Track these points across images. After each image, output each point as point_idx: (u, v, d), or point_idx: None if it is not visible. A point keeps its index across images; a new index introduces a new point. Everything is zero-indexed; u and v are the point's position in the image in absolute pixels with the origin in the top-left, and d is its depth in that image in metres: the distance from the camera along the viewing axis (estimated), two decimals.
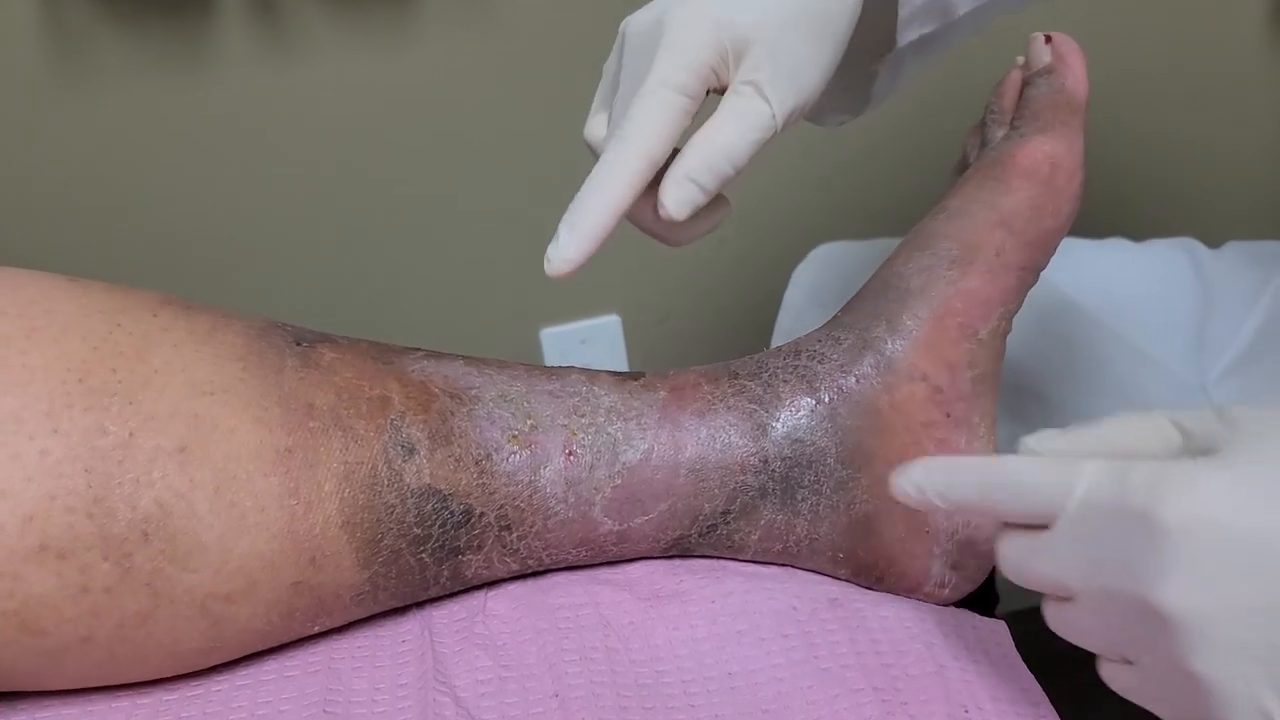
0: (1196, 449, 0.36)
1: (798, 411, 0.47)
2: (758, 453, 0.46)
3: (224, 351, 0.42)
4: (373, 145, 1.01)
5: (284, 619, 0.41)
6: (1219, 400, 0.69)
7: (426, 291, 1.09)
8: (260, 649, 0.43)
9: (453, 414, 0.44)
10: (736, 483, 0.46)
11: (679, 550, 0.47)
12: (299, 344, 0.44)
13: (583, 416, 0.46)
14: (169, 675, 0.42)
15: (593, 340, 1.17)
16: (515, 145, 1.02)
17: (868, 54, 0.57)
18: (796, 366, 0.48)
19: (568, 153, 1.03)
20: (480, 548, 0.44)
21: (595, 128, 0.49)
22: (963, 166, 0.55)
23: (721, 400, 0.47)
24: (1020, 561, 0.39)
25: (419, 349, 0.48)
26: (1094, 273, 0.76)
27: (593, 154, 0.49)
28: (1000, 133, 0.52)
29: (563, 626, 0.44)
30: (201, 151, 0.98)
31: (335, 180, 1.02)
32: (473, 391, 0.45)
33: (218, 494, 0.39)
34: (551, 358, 1.15)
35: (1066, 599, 0.37)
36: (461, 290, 1.10)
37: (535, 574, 0.47)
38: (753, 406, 0.47)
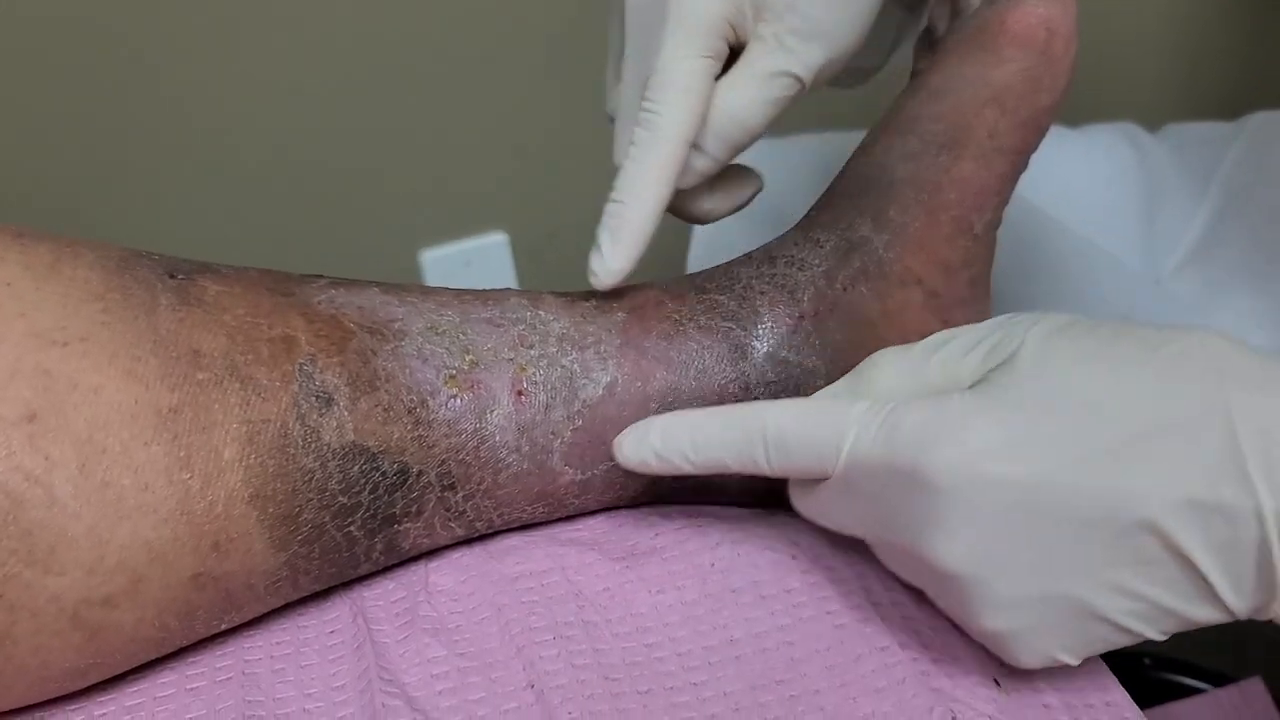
0: (993, 363, 0.33)
1: (780, 327, 0.40)
2: (737, 379, 0.39)
3: (75, 290, 0.33)
4: (229, 42, 0.89)
5: (182, 621, 0.33)
6: (1178, 294, 0.65)
7: (289, 211, 0.98)
8: (153, 658, 0.34)
9: (375, 353, 0.36)
10: None
11: (649, 498, 0.40)
12: (173, 276, 0.35)
13: (531, 348, 0.38)
14: (37, 701, 0.33)
15: (478, 262, 1.08)
16: (389, 48, 0.92)
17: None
18: (774, 275, 0.41)
19: (446, 59, 0.94)
20: (419, 513, 0.36)
21: (614, 102, 0.43)
22: (927, 41, 0.49)
23: (691, 319, 0.40)
24: (808, 509, 0.36)
25: (321, 276, 0.39)
26: (1036, 162, 0.71)
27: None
28: None
29: (527, 600, 0.37)
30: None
31: (181, 81, 0.90)
32: (396, 324, 0.37)
33: (84, 472, 0.30)
34: (433, 283, 1.06)
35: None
36: (330, 209, 0.99)
37: (483, 538, 0.39)
38: (728, 325, 0.40)
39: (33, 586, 0.30)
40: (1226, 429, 0.29)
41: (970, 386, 0.32)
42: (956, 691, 0.33)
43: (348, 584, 0.38)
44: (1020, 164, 0.43)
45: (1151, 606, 0.30)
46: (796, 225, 0.44)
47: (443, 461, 0.36)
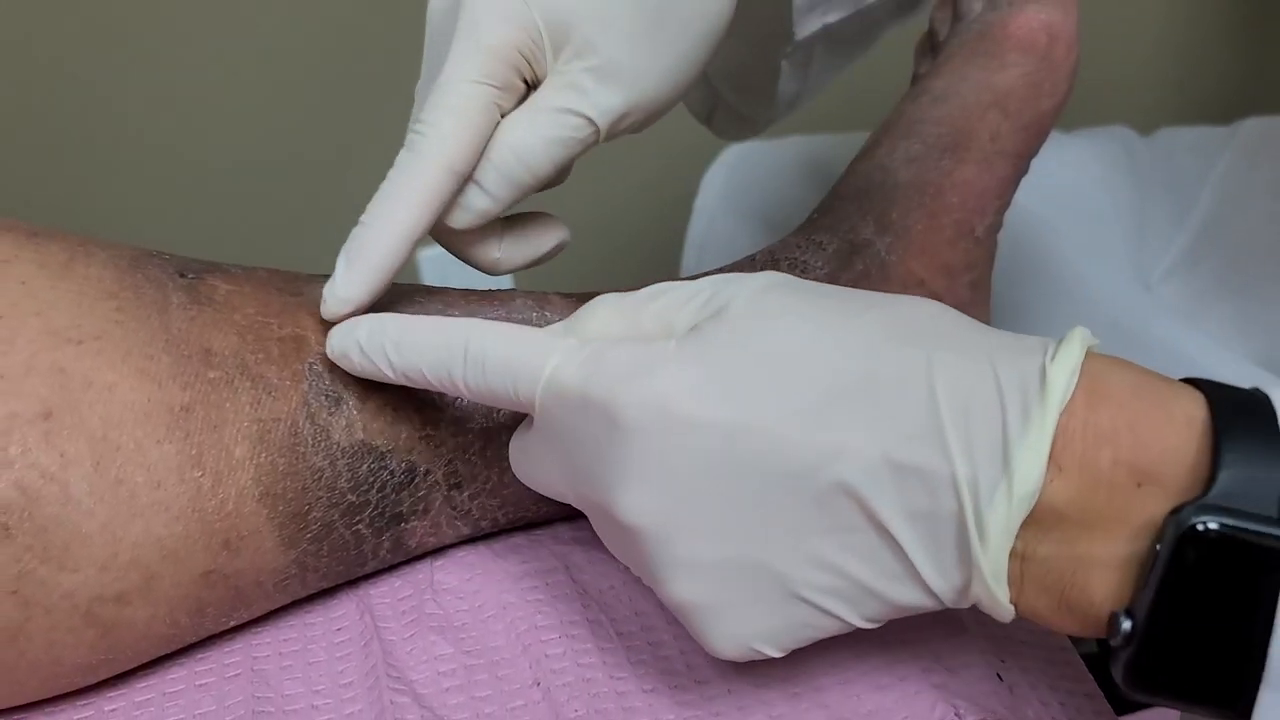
0: (706, 315, 0.30)
1: None
2: None
3: (89, 288, 0.33)
4: (230, 42, 0.89)
5: (193, 617, 0.33)
6: (1167, 299, 0.65)
7: (285, 210, 0.98)
8: (162, 654, 0.34)
9: None
10: None
11: None
12: (183, 275, 0.36)
13: None
14: (49, 696, 0.33)
15: None
16: (388, 48, 0.92)
17: (769, 48, 0.49)
18: None
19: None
20: (426, 512, 0.37)
21: None
22: (928, 44, 0.49)
23: None
24: (518, 462, 0.33)
25: (329, 275, 0.39)
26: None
27: None
28: (978, 4, 0.46)
29: (533, 599, 0.37)
30: None
31: (181, 83, 0.90)
32: None
33: (98, 470, 0.31)
34: (429, 283, 1.06)
35: None
36: (326, 209, 0.98)
37: (488, 536, 0.40)
38: None
39: (47, 583, 0.30)
40: (927, 389, 0.27)
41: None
42: (959, 687, 0.33)
43: (354, 582, 0.38)
44: (1022, 168, 0.44)
45: (851, 584, 0.28)
46: (799, 228, 0.44)
47: (450, 460, 0.36)
